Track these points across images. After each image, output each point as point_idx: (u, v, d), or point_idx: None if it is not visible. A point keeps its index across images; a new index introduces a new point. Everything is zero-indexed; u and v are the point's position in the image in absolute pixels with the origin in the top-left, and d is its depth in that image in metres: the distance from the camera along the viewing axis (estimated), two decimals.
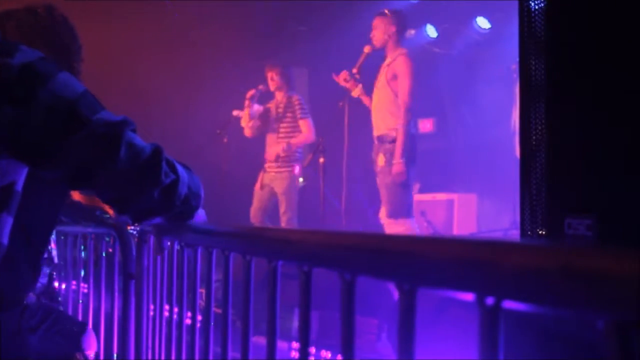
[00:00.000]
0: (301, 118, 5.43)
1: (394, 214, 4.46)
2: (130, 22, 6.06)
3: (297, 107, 5.46)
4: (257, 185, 5.54)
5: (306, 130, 5.43)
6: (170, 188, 1.24)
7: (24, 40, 1.25)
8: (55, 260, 2.51)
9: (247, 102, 5.52)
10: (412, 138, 4.49)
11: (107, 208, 2.10)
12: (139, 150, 1.19)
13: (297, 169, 5.43)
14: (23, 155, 1.13)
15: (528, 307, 0.52)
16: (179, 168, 1.27)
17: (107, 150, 1.16)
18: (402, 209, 4.46)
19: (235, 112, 5.66)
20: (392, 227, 4.48)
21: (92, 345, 2.05)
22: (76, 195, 2.04)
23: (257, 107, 5.57)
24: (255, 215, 5.51)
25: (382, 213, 4.59)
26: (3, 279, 1.30)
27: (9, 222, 1.18)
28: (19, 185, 1.18)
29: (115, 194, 1.24)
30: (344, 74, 4.79)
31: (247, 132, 5.62)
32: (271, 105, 5.62)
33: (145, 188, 1.22)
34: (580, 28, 1.76)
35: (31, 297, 2.00)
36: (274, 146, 5.46)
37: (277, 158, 5.42)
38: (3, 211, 1.15)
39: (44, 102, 1.10)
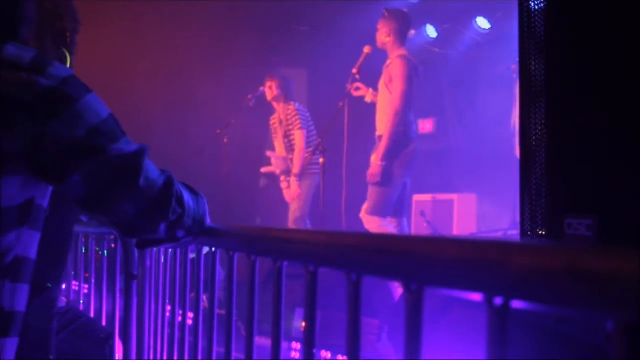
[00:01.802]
0: (299, 129, 5.47)
1: (370, 211, 4.55)
2: (131, 23, 6.06)
3: (295, 117, 5.50)
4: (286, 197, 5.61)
5: (299, 143, 5.47)
6: (175, 223, 1.28)
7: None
8: None
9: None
10: (409, 141, 4.50)
11: None
12: (152, 184, 1.21)
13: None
14: (40, 174, 1.14)
15: (536, 307, 0.52)
16: (186, 198, 1.30)
17: (123, 182, 1.18)
18: (377, 208, 4.51)
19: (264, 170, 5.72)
20: (366, 223, 4.58)
21: (117, 354, 2.05)
22: None
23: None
24: (297, 224, 5.55)
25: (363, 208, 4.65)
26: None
27: (36, 237, 1.19)
28: (41, 200, 1.19)
29: (123, 222, 1.27)
30: (356, 84, 4.79)
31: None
32: (275, 118, 5.66)
33: (152, 224, 1.26)
34: (580, 28, 1.76)
35: (62, 301, 2.00)
36: (283, 159, 5.51)
37: (287, 172, 5.47)
38: (24, 226, 1.16)
39: (65, 123, 1.11)
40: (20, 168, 1.11)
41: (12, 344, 1.17)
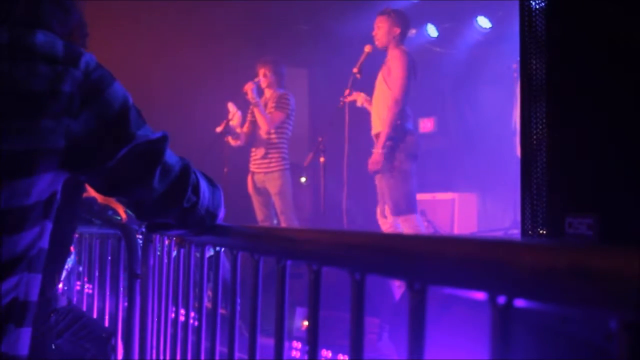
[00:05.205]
0: (281, 110, 5.35)
1: (397, 211, 4.43)
2: (131, 22, 6.07)
3: (283, 100, 5.39)
4: (250, 189, 5.51)
5: (271, 119, 5.32)
6: (188, 211, 1.30)
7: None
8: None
9: (231, 115, 5.42)
10: (411, 135, 4.51)
11: (120, 211, 2.12)
12: (169, 169, 1.24)
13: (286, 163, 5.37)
14: (71, 165, 1.15)
15: (539, 306, 0.53)
16: (202, 187, 1.32)
17: (145, 168, 1.21)
18: (406, 205, 4.42)
19: (231, 121, 5.55)
20: (397, 224, 4.46)
21: (118, 352, 2.06)
22: (92, 192, 2.05)
23: (239, 115, 5.47)
24: (264, 221, 5.49)
25: (380, 212, 4.60)
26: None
27: (50, 227, 1.21)
28: (59, 193, 1.21)
29: (139, 203, 1.29)
30: (346, 92, 4.78)
31: (236, 142, 5.53)
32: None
33: (166, 209, 1.29)
34: (580, 27, 1.76)
35: (62, 301, 2.01)
36: (262, 145, 5.42)
37: (265, 155, 5.39)
38: (47, 219, 1.18)
39: (97, 112, 1.13)
40: (54, 163, 1.12)
41: (26, 334, 1.18)
